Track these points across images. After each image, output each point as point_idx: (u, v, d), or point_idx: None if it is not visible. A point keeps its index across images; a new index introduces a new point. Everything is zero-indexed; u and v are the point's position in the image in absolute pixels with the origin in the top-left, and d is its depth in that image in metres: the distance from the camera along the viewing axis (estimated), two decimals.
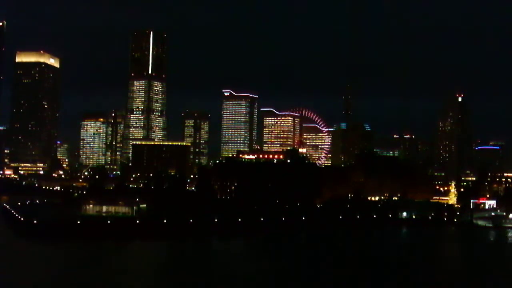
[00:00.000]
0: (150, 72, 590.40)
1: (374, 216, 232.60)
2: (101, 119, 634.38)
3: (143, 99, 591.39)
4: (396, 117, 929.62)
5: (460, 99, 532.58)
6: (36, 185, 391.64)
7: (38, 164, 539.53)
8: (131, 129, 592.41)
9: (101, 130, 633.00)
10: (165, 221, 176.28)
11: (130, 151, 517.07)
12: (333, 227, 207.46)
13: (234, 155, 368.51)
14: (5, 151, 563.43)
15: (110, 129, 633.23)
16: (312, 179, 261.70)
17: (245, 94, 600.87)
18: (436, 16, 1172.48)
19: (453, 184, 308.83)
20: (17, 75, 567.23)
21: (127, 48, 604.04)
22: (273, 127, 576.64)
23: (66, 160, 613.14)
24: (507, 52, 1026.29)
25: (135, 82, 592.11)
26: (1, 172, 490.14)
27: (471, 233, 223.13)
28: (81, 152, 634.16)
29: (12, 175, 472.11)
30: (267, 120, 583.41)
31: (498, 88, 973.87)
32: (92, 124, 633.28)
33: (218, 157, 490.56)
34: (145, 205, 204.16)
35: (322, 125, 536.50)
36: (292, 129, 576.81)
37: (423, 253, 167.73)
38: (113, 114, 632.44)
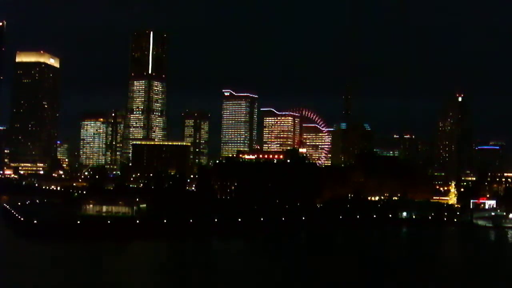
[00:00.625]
0: (150, 72, 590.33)
1: (374, 216, 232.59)
2: (101, 119, 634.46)
3: (143, 99, 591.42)
4: (396, 117, 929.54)
5: (460, 99, 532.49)
6: (36, 185, 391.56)
7: (38, 164, 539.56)
8: (131, 129, 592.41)
9: (101, 130, 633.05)
10: (165, 221, 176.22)
11: (130, 151, 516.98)
12: (333, 227, 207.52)
13: (234, 155, 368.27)
14: (5, 151, 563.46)
15: (110, 129, 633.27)
16: (312, 179, 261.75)
17: (245, 94, 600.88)
18: (436, 16, 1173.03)
19: (453, 184, 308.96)
20: (17, 75, 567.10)
21: (127, 48, 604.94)
22: (273, 127, 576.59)
23: (66, 160, 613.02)
24: (507, 52, 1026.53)
25: (135, 82, 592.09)
26: (1, 172, 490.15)
27: (471, 233, 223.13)
28: (81, 152, 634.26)
29: (12, 175, 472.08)
30: (267, 120, 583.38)
31: (498, 88, 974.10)
32: (92, 124, 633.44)
33: (218, 157, 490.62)
34: (145, 205, 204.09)
35: (322, 125, 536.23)
36: (292, 129, 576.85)
37: (423, 253, 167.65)
38: (113, 114, 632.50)
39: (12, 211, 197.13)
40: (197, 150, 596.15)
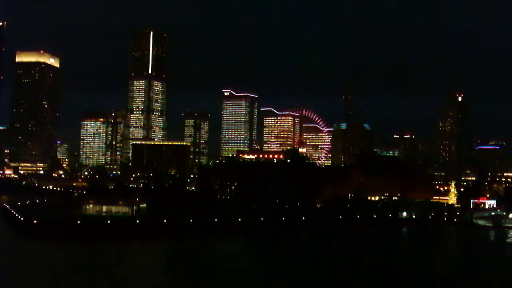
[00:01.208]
0: (150, 72, 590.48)
1: (374, 216, 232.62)
2: (101, 119, 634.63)
3: (143, 99, 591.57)
4: (396, 117, 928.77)
5: (460, 99, 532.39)
6: (36, 185, 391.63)
7: (38, 164, 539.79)
8: (131, 129, 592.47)
9: (101, 130, 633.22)
10: (165, 221, 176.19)
11: (130, 151, 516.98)
12: (333, 226, 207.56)
13: (234, 155, 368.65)
14: (5, 151, 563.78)
15: (110, 129, 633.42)
16: (312, 179, 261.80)
17: (245, 94, 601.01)
18: (437, 16, 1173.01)
19: (453, 184, 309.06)
20: (17, 75, 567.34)
21: (127, 48, 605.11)
22: (273, 127, 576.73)
23: (66, 160, 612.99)
24: (507, 52, 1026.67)
25: (135, 82, 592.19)
26: (1, 172, 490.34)
27: (471, 233, 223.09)
28: (81, 152, 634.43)
29: (12, 175, 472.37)
30: (267, 120, 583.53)
31: (498, 88, 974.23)
32: (92, 124, 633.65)
33: (218, 157, 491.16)
34: (145, 205, 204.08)
35: (322, 125, 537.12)
36: (292, 129, 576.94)
37: (422, 253, 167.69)
38: (113, 114, 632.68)
39: (12, 211, 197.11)
40: (197, 150, 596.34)
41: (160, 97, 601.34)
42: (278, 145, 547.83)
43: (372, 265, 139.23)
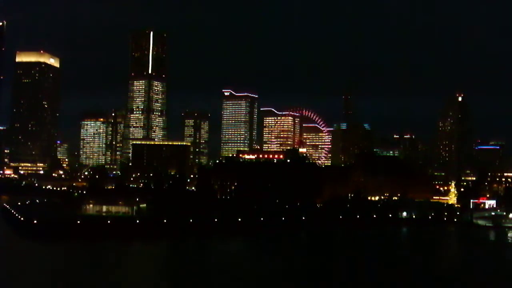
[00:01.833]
0: (150, 72, 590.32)
1: (374, 216, 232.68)
2: (101, 119, 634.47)
3: (143, 99, 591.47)
4: (396, 117, 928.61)
5: (460, 99, 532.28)
6: (36, 185, 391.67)
7: (38, 164, 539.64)
8: (131, 129, 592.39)
9: (101, 130, 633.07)
10: (165, 221, 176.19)
11: (130, 151, 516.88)
12: (333, 226, 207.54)
13: (234, 155, 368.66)
14: (5, 151, 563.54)
15: (110, 129, 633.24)
16: (312, 179, 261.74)
17: (245, 94, 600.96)
18: (437, 16, 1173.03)
19: (453, 184, 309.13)
20: (17, 75, 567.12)
21: (127, 48, 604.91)
22: (273, 127, 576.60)
23: (66, 160, 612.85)
24: (507, 52, 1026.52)
25: (135, 82, 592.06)
26: (1, 172, 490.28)
27: (471, 233, 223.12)
28: (81, 152, 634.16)
29: (12, 175, 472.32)
30: (267, 120, 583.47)
31: (498, 88, 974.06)
32: (92, 124, 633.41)
33: (218, 157, 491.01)
34: (145, 205, 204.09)
35: (322, 125, 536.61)
36: (292, 129, 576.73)
37: (422, 253, 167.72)
38: (113, 114, 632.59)
39: (12, 211, 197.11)
40: (197, 150, 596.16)
41: (160, 97, 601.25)
42: (278, 145, 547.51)
43: (372, 265, 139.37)
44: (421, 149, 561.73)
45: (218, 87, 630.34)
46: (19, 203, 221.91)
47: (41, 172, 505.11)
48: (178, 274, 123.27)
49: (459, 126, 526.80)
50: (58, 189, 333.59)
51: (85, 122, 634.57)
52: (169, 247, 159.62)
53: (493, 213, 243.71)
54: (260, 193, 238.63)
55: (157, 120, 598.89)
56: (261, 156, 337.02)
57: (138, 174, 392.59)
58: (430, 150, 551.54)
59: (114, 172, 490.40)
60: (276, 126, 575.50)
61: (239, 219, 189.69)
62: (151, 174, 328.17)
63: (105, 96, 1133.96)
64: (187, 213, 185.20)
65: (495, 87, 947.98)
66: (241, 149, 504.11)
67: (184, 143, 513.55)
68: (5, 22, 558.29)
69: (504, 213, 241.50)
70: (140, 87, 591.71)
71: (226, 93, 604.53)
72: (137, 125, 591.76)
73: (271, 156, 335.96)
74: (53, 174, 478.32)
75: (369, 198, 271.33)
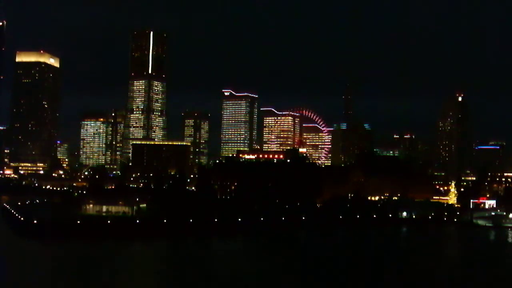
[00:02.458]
0: (150, 72, 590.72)
1: (374, 216, 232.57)
2: (101, 119, 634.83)
3: (143, 99, 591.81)
4: (396, 117, 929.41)
5: (460, 99, 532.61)
6: (36, 185, 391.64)
7: (38, 164, 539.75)
8: (131, 129, 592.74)
9: (101, 130, 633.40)
10: (165, 221, 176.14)
11: (130, 151, 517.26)
12: (333, 226, 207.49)
13: (234, 155, 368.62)
14: (5, 151, 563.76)
15: (110, 129, 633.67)
16: (312, 179, 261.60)
17: (245, 94, 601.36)
18: (436, 16, 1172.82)
19: (453, 184, 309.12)
20: (17, 75, 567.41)
21: (127, 48, 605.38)
22: (273, 127, 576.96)
23: (66, 160, 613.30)
24: (507, 52, 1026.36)
25: (135, 82, 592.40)
26: (1, 172, 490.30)
27: (471, 233, 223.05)
28: (81, 152, 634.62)
29: (12, 175, 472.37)
30: (267, 120, 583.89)
31: (498, 88, 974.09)
32: (92, 124, 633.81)
33: (218, 157, 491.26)
34: (145, 205, 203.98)
35: (322, 125, 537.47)
36: (292, 129, 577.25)
37: (422, 252, 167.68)
38: (113, 114, 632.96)
39: (12, 211, 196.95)
40: (197, 150, 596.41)
41: (160, 97, 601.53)
42: (278, 145, 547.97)
43: (371, 265, 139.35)
44: (421, 149, 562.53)
45: (218, 87, 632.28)
46: (19, 203, 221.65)
47: (41, 172, 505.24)
48: (178, 274, 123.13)
49: (459, 126, 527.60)
50: (58, 189, 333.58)
51: (85, 122, 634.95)
52: (169, 247, 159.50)
53: (493, 213, 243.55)
54: (260, 193, 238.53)
55: (157, 120, 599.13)
56: (261, 156, 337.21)
57: (138, 174, 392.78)
58: (430, 150, 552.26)
59: (114, 172, 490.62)
60: (276, 126, 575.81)
61: (239, 219, 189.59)
62: (151, 174, 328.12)
63: (105, 96, 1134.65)
64: (187, 213, 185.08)
65: (495, 87, 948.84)
66: (241, 149, 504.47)
67: (184, 143, 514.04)
68: (5, 22, 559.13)
69: (504, 213, 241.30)
70: (140, 87, 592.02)
71: (226, 93, 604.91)
72: (137, 125, 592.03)
73: (271, 156, 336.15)
74: (53, 174, 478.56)
75: (369, 198, 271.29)
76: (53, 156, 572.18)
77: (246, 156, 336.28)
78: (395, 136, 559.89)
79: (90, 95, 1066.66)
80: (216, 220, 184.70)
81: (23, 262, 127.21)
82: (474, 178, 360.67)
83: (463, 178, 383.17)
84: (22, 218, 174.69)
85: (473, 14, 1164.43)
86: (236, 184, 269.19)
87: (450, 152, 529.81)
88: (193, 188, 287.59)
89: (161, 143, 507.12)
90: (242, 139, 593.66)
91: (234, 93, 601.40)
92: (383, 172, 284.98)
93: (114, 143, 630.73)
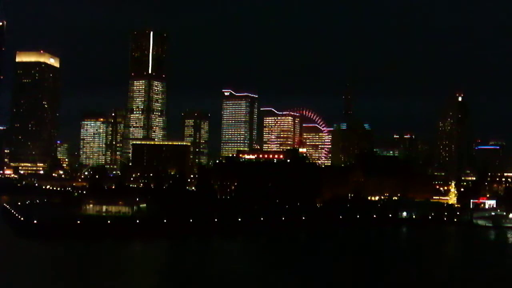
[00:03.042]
0: (150, 72, 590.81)
1: (374, 215, 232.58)
2: (101, 119, 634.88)
3: (143, 99, 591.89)
4: (396, 117, 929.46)
5: (460, 99, 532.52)
6: (36, 185, 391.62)
7: (38, 164, 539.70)
8: (131, 129, 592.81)
9: (101, 130, 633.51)
10: (165, 221, 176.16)
11: (130, 151, 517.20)
12: (333, 226, 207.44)
13: (234, 155, 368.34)
14: (5, 151, 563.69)
15: (110, 129, 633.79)
16: (312, 179, 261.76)
17: (245, 94, 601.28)
18: (437, 16, 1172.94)
19: (453, 184, 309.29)
20: (17, 75, 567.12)
21: (127, 48, 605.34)
22: (273, 127, 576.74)
23: (66, 160, 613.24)
24: (507, 52, 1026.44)
25: (135, 82, 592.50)
26: (1, 172, 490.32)
27: (471, 233, 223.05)
28: (81, 152, 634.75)
29: (12, 175, 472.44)
30: (267, 120, 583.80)
31: (498, 88, 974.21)
32: (92, 124, 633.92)
33: (218, 157, 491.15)
34: (145, 205, 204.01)
35: (322, 125, 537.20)
36: (292, 129, 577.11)
37: (422, 252, 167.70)
38: (113, 114, 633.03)
39: (12, 211, 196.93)
40: (197, 150, 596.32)
41: (160, 97, 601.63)
42: (278, 145, 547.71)
43: (371, 265, 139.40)
44: (421, 149, 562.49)
45: (218, 87, 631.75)
46: (19, 203, 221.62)
47: (41, 172, 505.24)
48: (178, 274, 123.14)
49: (459, 126, 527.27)
50: (58, 189, 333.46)
51: (85, 122, 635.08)
52: (169, 247, 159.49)
53: (493, 213, 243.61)
54: (260, 193, 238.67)
55: (157, 120, 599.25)
56: (261, 156, 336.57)
57: (138, 174, 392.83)
58: (430, 150, 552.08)
59: (114, 172, 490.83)
60: (276, 126, 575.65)
61: (239, 219, 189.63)
62: (151, 174, 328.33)
63: (105, 96, 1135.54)
64: (187, 213, 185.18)
65: (495, 87, 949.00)
66: (241, 149, 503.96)
67: (184, 143, 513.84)
68: (5, 22, 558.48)
69: (504, 213, 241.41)
70: (140, 87, 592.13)
71: (226, 93, 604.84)
72: (137, 125, 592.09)
73: (271, 156, 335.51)
74: (53, 174, 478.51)
75: (369, 198, 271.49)
76: (53, 156, 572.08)
77: (246, 156, 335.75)
78: (395, 136, 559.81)
79: (90, 95, 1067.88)
80: (216, 220, 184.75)
81: (23, 262, 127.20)
82: (474, 178, 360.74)
83: (463, 178, 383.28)
84: (22, 218, 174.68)
85: (473, 14, 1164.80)
86: (236, 184, 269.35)
87: (450, 152, 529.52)
88: (193, 188, 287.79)
89: (161, 143, 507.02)
90: (242, 139, 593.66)
91: (234, 93, 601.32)
92: (383, 172, 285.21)
93: (114, 143, 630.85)
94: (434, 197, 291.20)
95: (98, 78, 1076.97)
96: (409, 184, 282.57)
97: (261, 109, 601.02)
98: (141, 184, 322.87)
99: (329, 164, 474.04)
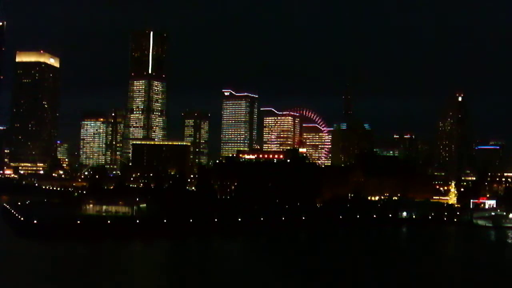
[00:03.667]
0: (150, 72, 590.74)
1: (374, 216, 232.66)
2: (101, 119, 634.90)
3: (143, 99, 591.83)
4: (396, 117, 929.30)
5: (460, 99, 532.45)
6: (36, 185, 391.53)
7: (38, 164, 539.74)
8: (131, 129, 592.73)
9: (101, 130, 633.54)
10: (165, 221, 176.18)
11: (130, 151, 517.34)
12: (333, 226, 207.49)
13: (234, 155, 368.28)
14: (5, 151, 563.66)
15: (110, 129, 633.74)
16: (312, 179, 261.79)
17: (245, 94, 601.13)
18: (436, 16, 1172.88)
19: (453, 184, 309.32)
20: (17, 75, 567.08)
21: (127, 48, 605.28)
22: (273, 127, 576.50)
23: (66, 160, 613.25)
24: (507, 52, 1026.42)
25: (135, 82, 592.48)
26: (1, 172, 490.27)
27: (471, 233, 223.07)
28: (81, 152, 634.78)
29: (12, 175, 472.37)
30: (267, 120, 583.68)
31: (498, 88, 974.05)
32: (92, 124, 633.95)
33: (218, 157, 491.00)
34: (145, 205, 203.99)
35: (322, 125, 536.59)
36: (292, 129, 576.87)
37: (422, 252, 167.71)
38: (113, 114, 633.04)
39: (12, 211, 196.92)
40: (197, 150, 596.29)
41: (160, 97, 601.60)
42: (278, 145, 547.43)
43: (371, 265, 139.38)
44: (421, 149, 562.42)
45: (218, 87, 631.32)
46: (19, 203, 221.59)
47: (41, 172, 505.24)
48: (178, 274, 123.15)
49: (459, 126, 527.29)
50: (58, 189, 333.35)
51: (85, 122, 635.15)
52: (169, 247, 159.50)
53: (493, 213, 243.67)
54: (260, 193, 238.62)
55: (157, 120, 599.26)
56: (261, 156, 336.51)
57: (138, 174, 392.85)
58: (430, 150, 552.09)
59: (114, 172, 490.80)
60: (276, 126, 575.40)
61: (239, 219, 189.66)
62: (151, 174, 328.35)
63: (105, 96, 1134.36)
64: (187, 213, 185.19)
65: (495, 87, 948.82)
66: (241, 149, 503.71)
67: (184, 143, 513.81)
68: (5, 22, 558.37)
69: (504, 213, 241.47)
70: (140, 87, 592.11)
71: (226, 93, 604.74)
72: (137, 125, 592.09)
73: (271, 156, 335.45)
74: (53, 174, 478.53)
75: (369, 198, 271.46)
76: (53, 156, 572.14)
77: (246, 156, 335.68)
78: (395, 136, 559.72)
79: (90, 95, 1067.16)
80: (216, 220, 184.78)
81: (23, 262, 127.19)
82: (474, 178, 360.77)
83: (463, 178, 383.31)
84: (22, 218, 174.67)
85: (473, 14, 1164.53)
86: (236, 184, 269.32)
87: (450, 152, 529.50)
88: (193, 188, 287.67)
89: (161, 143, 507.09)
90: (242, 139, 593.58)
91: (234, 93, 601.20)
92: (383, 172, 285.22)
93: (114, 143, 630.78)
94: (434, 197, 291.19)
95: (98, 78, 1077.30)
96: (409, 184, 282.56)
97: (261, 109, 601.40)
98: (141, 184, 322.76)
99: (329, 164, 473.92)
